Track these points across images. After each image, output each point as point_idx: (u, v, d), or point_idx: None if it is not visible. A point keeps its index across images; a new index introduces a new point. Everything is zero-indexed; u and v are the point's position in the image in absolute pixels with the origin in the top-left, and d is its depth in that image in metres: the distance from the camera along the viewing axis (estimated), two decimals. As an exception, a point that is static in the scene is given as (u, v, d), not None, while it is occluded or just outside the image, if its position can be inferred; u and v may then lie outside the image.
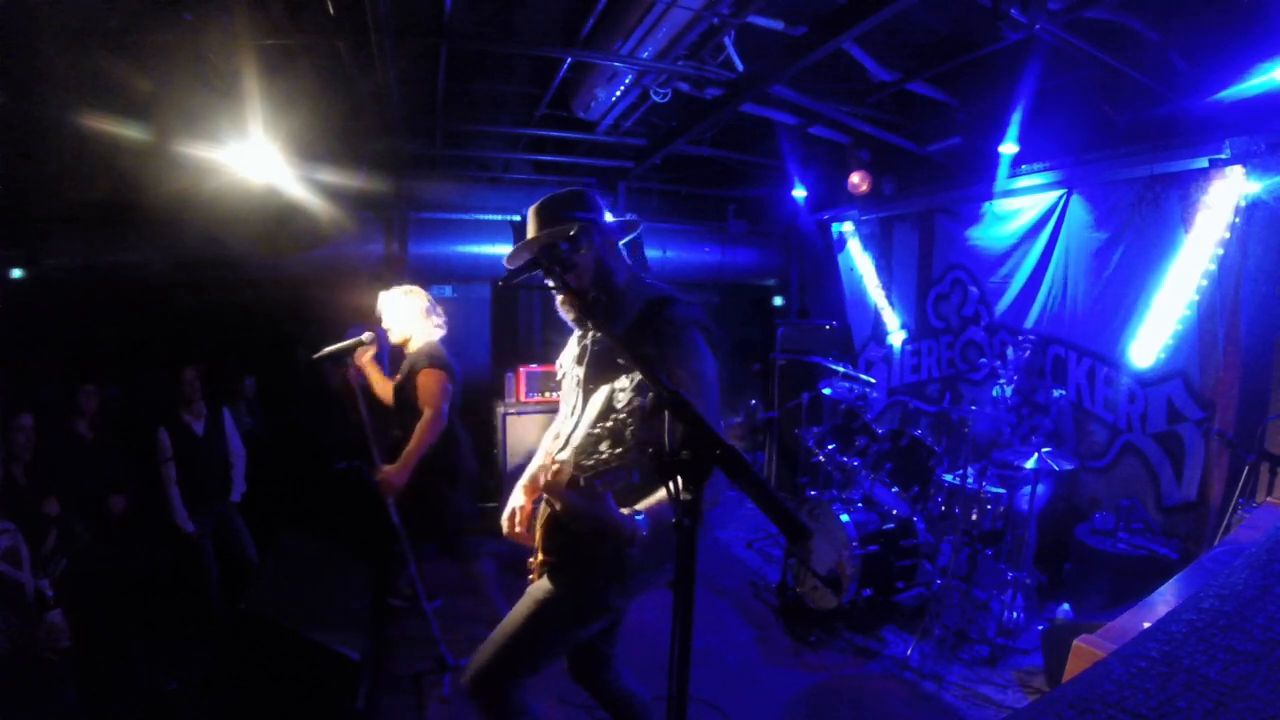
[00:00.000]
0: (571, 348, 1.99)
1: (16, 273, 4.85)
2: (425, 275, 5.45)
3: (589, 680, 2.18)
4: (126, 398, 4.87)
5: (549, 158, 5.91)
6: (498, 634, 1.87)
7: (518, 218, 5.92)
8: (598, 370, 1.77)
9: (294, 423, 5.05)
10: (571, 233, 1.75)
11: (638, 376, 1.37)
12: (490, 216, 5.95)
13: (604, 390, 1.48)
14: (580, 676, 2.19)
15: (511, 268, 1.83)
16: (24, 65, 3.30)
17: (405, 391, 3.26)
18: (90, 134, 3.72)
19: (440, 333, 3.37)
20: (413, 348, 3.31)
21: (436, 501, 3.24)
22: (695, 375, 1.71)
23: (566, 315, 1.91)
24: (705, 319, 1.83)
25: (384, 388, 3.41)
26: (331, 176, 5.04)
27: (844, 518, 3.64)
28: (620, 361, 1.61)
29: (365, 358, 3.34)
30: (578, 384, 1.87)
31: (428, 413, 3.12)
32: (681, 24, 3.37)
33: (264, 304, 5.67)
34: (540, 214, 1.89)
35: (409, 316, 3.31)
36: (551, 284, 1.63)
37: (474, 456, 3.47)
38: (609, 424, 1.28)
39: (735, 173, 6.49)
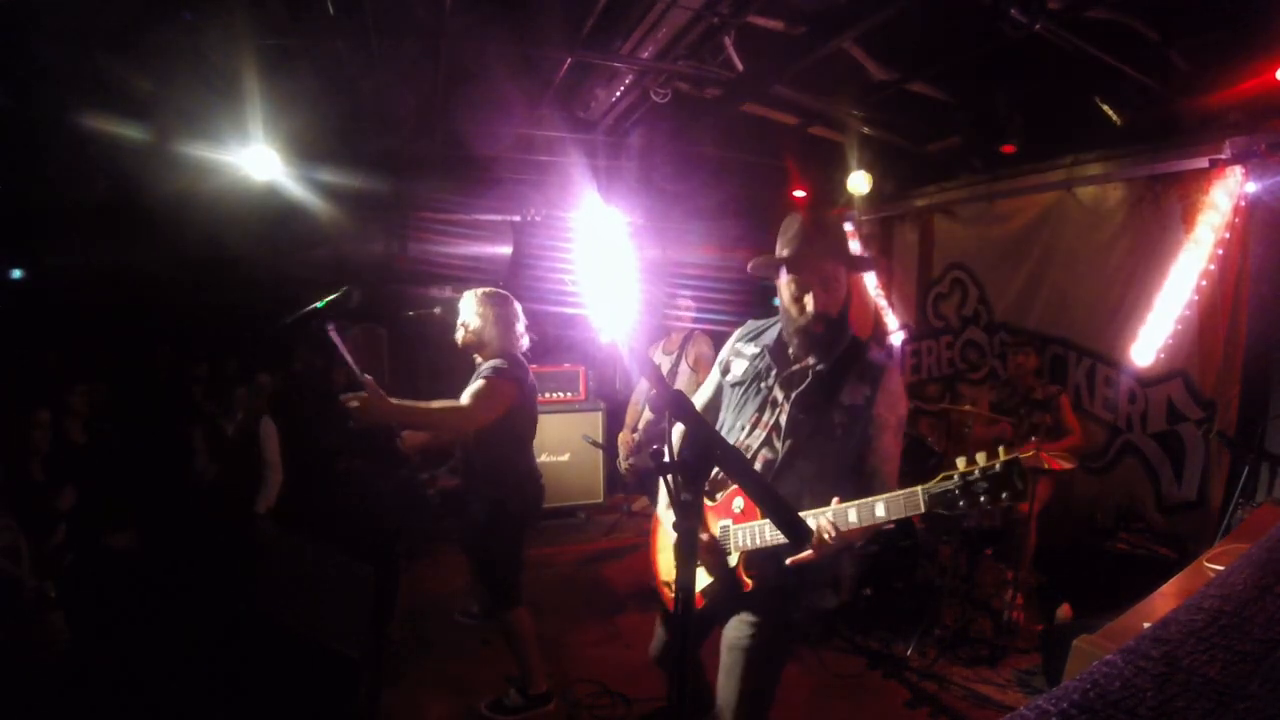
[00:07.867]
0: (749, 360, 1.94)
1: (16, 273, 4.85)
2: (425, 275, 5.44)
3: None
4: (131, 398, 4.86)
5: (549, 158, 5.91)
6: (733, 701, 1.82)
7: (517, 218, 5.92)
8: (817, 396, 1.77)
9: (295, 423, 5.04)
10: (859, 262, 1.79)
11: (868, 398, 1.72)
12: (490, 216, 5.94)
13: (818, 414, 1.72)
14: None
15: (760, 266, 1.86)
16: (24, 65, 3.31)
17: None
18: (90, 134, 3.72)
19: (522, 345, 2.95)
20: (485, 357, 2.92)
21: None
22: (901, 420, 1.80)
23: (798, 335, 1.82)
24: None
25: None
26: (331, 176, 5.04)
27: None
28: (846, 390, 1.75)
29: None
30: (770, 402, 1.83)
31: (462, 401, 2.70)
32: (681, 24, 3.37)
33: (264, 304, 5.66)
34: (828, 227, 1.89)
35: (484, 321, 2.88)
36: (812, 305, 1.74)
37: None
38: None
39: (735, 172, 6.48)
